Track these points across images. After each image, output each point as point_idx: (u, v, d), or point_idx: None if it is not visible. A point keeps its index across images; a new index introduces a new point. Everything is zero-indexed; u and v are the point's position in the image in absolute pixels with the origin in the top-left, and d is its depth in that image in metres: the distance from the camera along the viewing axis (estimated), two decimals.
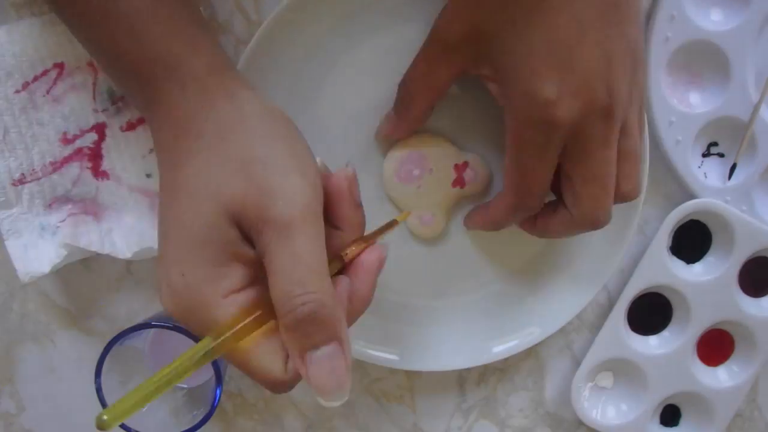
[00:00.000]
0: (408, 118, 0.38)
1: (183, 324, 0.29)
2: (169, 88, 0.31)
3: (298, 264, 0.27)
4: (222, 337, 0.28)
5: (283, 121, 0.32)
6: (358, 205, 0.33)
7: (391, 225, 0.36)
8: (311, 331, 0.28)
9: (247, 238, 0.29)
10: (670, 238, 0.45)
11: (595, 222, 0.35)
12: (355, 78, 0.41)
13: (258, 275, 0.30)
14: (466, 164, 0.41)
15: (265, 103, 0.32)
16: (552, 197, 0.37)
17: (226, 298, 0.29)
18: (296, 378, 0.30)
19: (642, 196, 0.41)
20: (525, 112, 0.32)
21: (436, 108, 0.39)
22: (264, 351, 0.29)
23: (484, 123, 0.41)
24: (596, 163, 0.33)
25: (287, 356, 0.29)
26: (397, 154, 0.41)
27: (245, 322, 0.28)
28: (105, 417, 0.25)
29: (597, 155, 0.33)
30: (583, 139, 0.33)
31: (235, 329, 0.28)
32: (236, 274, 0.29)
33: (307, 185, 0.29)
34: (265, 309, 0.29)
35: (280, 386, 0.30)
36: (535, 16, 0.31)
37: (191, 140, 0.30)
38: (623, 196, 0.35)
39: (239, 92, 0.32)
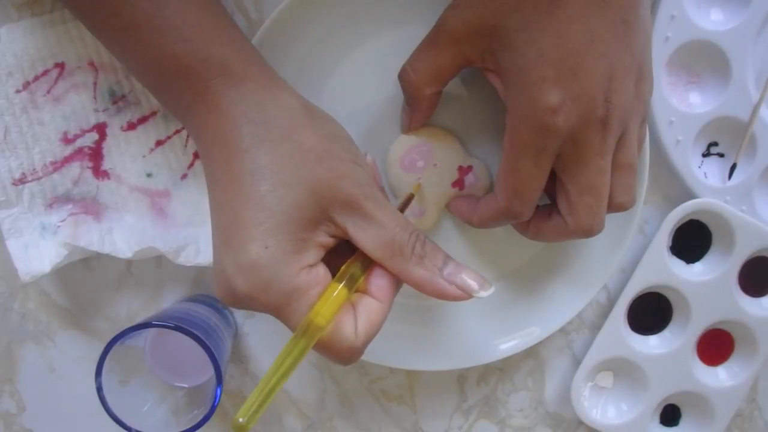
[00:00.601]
0: (417, 108, 0.38)
1: (256, 301, 0.31)
2: (225, 85, 0.32)
3: (396, 216, 0.33)
4: (319, 310, 0.30)
5: (330, 118, 0.35)
6: (380, 189, 0.38)
7: (409, 199, 0.39)
8: (434, 254, 0.33)
9: (325, 220, 0.32)
10: (670, 238, 0.45)
11: (589, 231, 0.36)
12: (355, 77, 0.41)
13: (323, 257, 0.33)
14: (470, 168, 0.41)
15: (308, 102, 0.35)
16: (546, 200, 0.37)
17: (306, 270, 0.31)
18: (369, 339, 0.32)
19: (642, 197, 0.42)
20: (526, 114, 0.33)
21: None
22: (343, 324, 0.31)
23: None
24: (590, 172, 0.34)
25: (356, 324, 0.32)
26: (405, 141, 0.41)
27: (328, 293, 0.31)
28: (241, 419, 0.27)
29: (591, 165, 0.34)
30: (578, 148, 0.33)
31: (333, 295, 0.31)
32: (314, 251, 0.32)
33: (365, 172, 0.33)
34: (341, 292, 0.31)
35: (356, 353, 0.32)
36: (548, 20, 0.31)
37: (262, 129, 0.32)
38: (617, 206, 0.36)
39: (287, 89, 0.34)
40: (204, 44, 0.32)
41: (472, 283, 0.33)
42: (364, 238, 0.32)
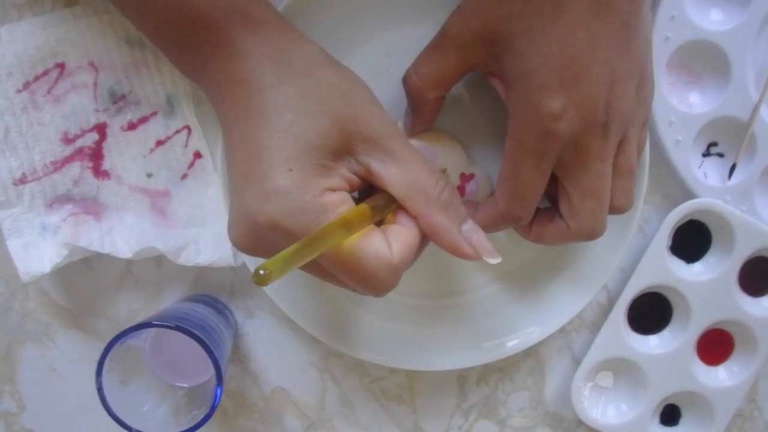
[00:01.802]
0: (420, 112, 0.38)
1: (281, 229, 0.30)
2: (246, 31, 0.32)
3: (423, 160, 0.33)
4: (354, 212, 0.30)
5: (349, 69, 0.35)
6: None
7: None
8: (458, 206, 0.33)
9: (348, 155, 0.32)
10: (670, 238, 0.45)
11: (591, 234, 0.36)
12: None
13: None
14: (472, 176, 0.41)
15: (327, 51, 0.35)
16: (546, 203, 0.37)
17: (331, 192, 0.31)
18: (405, 261, 0.32)
19: (642, 197, 0.42)
20: (528, 120, 0.33)
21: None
22: (374, 239, 0.31)
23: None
24: (592, 176, 0.34)
25: (389, 245, 0.31)
26: (411, 143, 0.41)
27: (355, 209, 0.31)
28: (262, 271, 0.25)
29: (593, 169, 0.34)
30: (580, 153, 0.33)
31: (362, 207, 0.31)
32: (338, 179, 0.32)
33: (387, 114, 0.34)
34: (366, 212, 0.31)
35: (394, 271, 0.31)
36: (552, 27, 0.32)
37: (284, 68, 0.32)
38: (617, 208, 0.36)
39: (306, 38, 0.34)
40: None
41: (487, 245, 0.33)
42: (388, 175, 0.32)
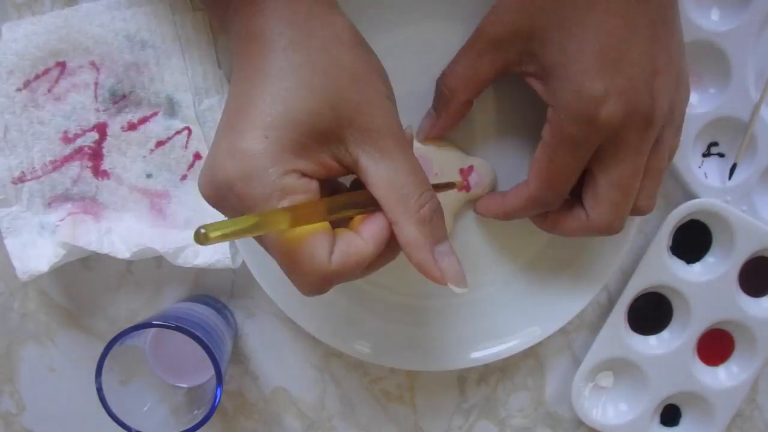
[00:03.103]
0: (448, 114, 0.38)
1: (233, 191, 0.29)
2: None
3: (416, 168, 0.32)
4: (290, 208, 0.29)
5: (373, 52, 0.34)
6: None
7: (449, 185, 0.39)
8: (438, 224, 0.32)
9: (337, 141, 0.31)
10: (670, 238, 0.45)
11: (609, 228, 0.36)
12: None
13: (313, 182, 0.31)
14: (471, 168, 0.41)
15: (357, 30, 0.33)
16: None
17: (298, 175, 0.30)
18: (340, 273, 0.30)
19: None
20: (571, 108, 0.33)
21: None
22: (316, 240, 0.30)
23: (490, 126, 0.41)
24: (625, 169, 0.34)
25: (332, 251, 0.30)
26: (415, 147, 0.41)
27: (310, 203, 0.29)
28: (202, 230, 0.25)
29: (627, 162, 0.34)
30: (617, 144, 0.33)
31: (300, 204, 0.29)
32: (312, 164, 0.30)
33: (396, 110, 0.33)
34: (321, 208, 0.30)
35: (324, 279, 0.30)
36: (587, 16, 0.32)
37: (304, 35, 0.31)
38: (638, 209, 0.36)
39: (340, 12, 0.33)
40: None
41: (456, 271, 0.32)
42: (375, 172, 0.31)
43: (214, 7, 0.35)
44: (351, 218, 0.32)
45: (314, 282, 0.30)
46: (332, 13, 0.32)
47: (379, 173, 0.31)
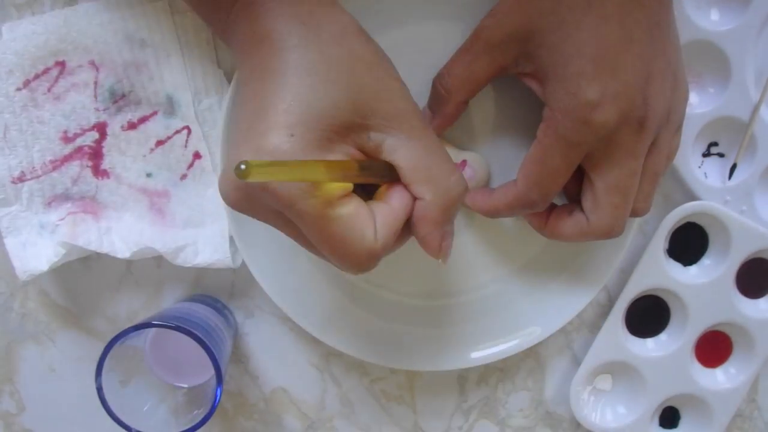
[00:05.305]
0: (443, 114, 0.38)
1: (268, 192, 0.29)
2: None
3: (441, 148, 0.32)
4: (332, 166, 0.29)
5: (378, 45, 0.34)
6: None
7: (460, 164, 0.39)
8: (457, 207, 0.33)
9: (359, 130, 0.31)
10: (667, 241, 0.45)
11: (609, 232, 0.36)
12: None
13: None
14: (464, 163, 0.41)
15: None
16: (563, 200, 0.37)
17: None
18: (387, 247, 0.31)
19: None
20: (566, 109, 0.33)
21: None
22: (362, 221, 0.30)
23: (482, 120, 0.41)
24: (622, 172, 0.34)
25: (375, 228, 0.31)
26: None
27: (344, 161, 0.30)
28: (243, 166, 0.24)
29: (624, 165, 0.34)
30: (612, 147, 0.33)
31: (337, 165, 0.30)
32: (337, 155, 0.30)
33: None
34: (354, 166, 0.30)
35: (375, 256, 0.31)
36: (584, 19, 0.32)
37: (313, 32, 0.31)
38: (635, 211, 0.36)
39: (342, 8, 0.33)
40: None
41: (449, 250, 0.33)
42: (404, 154, 0.31)
43: (213, 12, 0.35)
44: (376, 186, 0.33)
45: (365, 262, 0.31)
46: (336, 9, 0.33)
47: (408, 154, 0.31)
